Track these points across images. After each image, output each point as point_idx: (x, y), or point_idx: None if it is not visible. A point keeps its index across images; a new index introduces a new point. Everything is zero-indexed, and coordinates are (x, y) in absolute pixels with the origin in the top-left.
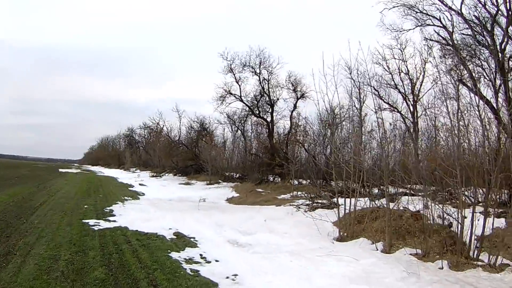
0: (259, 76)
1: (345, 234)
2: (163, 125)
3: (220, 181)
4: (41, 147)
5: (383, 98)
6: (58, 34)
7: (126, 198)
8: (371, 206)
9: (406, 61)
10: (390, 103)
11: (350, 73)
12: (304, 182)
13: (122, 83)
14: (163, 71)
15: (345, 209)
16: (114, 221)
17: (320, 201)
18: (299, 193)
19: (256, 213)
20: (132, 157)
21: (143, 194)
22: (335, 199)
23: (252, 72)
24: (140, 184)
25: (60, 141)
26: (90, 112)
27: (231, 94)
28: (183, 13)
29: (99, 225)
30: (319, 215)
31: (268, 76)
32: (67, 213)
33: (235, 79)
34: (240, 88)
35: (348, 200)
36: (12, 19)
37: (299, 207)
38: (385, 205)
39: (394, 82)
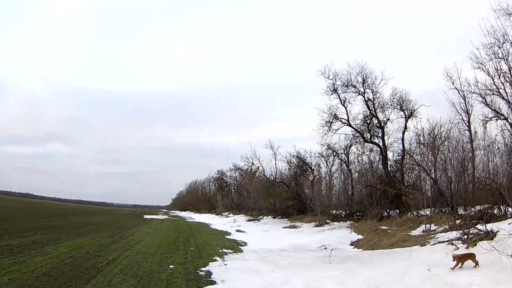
0: (363, 96)
1: None
2: (258, 165)
3: (328, 221)
4: (128, 194)
5: (490, 106)
6: (144, 82)
7: (225, 250)
8: None
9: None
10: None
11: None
12: (422, 212)
13: (210, 128)
14: (251, 114)
15: None
16: None
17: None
18: (431, 226)
19: (407, 260)
20: (223, 200)
21: (245, 243)
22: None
23: (355, 92)
24: (237, 231)
25: (146, 188)
26: (177, 159)
27: (337, 118)
28: (264, 54)
29: None
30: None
31: (373, 95)
32: (143, 279)
33: (340, 100)
34: (347, 111)
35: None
36: (93, 68)
37: (452, 243)
38: None
39: (495, 86)
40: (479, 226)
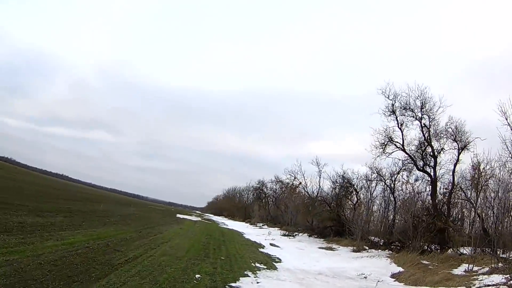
0: (420, 122)
1: None
2: (301, 180)
3: (366, 247)
4: (164, 190)
5: None
6: (198, 81)
7: (258, 265)
8: None
9: None
10: None
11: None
12: (462, 250)
13: (257, 137)
14: (299, 128)
15: None
16: None
17: None
18: (473, 266)
19: None
20: (260, 211)
21: (279, 260)
22: None
23: (413, 116)
24: (271, 244)
25: (183, 187)
26: (219, 162)
27: (392, 141)
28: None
29: None
30: None
31: (429, 122)
32: None
33: (398, 123)
34: (402, 135)
35: None
36: (151, 62)
37: None
38: None
39: None
40: None
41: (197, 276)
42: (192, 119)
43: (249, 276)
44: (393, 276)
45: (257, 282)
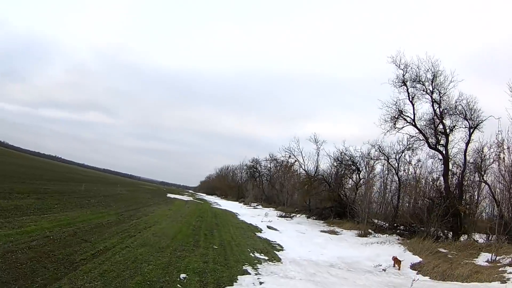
0: (431, 96)
1: None
2: (297, 158)
3: (371, 231)
4: (158, 171)
5: None
6: (197, 62)
7: (258, 256)
8: None
9: None
10: None
11: None
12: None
13: (254, 118)
14: (297, 109)
15: None
16: None
17: None
18: (496, 256)
19: None
20: (254, 190)
21: (281, 248)
22: None
23: (423, 90)
24: (269, 227)
25: (178, 167)
26: (215, 143)
27: (402, 116)
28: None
29: None
30: None
31: (440, 97)
32: None
33: (409, 95)
34: (413, 108)
35: None
36: (145, 42)
37: None
38: None
39: None
40: None
41: (182, 276)
42: (191, 101)
43: (249, 274)
44: (413, 267)
45: (260, 283)
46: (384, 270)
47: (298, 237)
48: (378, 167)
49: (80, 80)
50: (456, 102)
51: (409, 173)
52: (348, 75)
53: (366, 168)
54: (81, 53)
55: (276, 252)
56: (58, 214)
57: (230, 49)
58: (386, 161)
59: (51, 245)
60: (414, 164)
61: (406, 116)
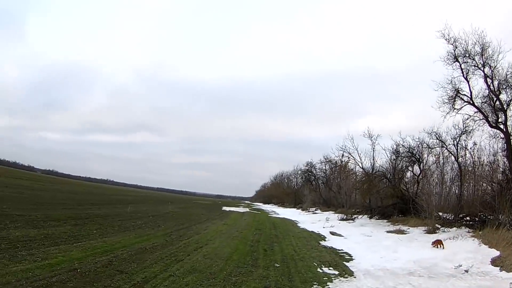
0: (483, 71)
1: None
2: (354, 156)
3: (438, 225)
4: (212, 184)
5: None
6: (237, 71)
7: (326, 270)
8: None
9: None
10: None
11: None
12: None
13: (302, 120)
14: (346, 107)
15: None
16: None
17: None
18: None
19: None
20: (311, 194)
21: (350, 257)
22: None
23: (474, 65)
24: (332, 233)
25: (231, 179)
26: (265, 150)
27: (459, 95)
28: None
29: None
30: None
31: (491, 70)
32: None
33: (462, 71)
34: (469, 85)
35: None
36: (183, 57)
37: None
38: None
39: None
40: None
41: None
42: (234, 110)
43: None
44: (494, 263)
45: None
46: (467, 271)
47: (365, 242)
48: (435, 155)
49: (122, 102)
50: (507, 74)
51: (467, 158)
52: (387, 65)
53: (427, 157)
54: (121, 75)
55: (346, 263)
56: (94, 241)
57: (269, 54)
58: (444, 147)
59: (75, 280)
60: (471, 148)
61: (463, 95)
